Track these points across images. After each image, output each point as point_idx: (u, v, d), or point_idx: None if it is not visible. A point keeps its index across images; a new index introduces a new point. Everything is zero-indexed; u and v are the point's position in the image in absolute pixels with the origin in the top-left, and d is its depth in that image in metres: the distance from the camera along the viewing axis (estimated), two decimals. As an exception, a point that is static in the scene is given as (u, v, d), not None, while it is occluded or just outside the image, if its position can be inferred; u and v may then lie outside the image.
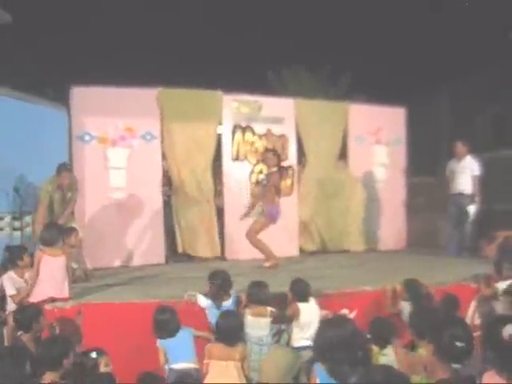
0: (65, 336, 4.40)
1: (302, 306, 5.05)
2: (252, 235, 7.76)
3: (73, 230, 6.56)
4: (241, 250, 8.68)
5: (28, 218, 7.37)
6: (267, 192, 7.81)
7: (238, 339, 4.49)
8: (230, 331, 4.41)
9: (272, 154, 8.03)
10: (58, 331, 4.80)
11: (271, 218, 7.76)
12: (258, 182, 8.73)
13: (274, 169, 7.92)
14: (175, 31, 16.26)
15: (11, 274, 5.80)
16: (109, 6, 15.53)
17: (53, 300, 5.24)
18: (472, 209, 8.56)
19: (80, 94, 8.25)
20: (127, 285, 6.48)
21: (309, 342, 4.85)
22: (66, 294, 5.37)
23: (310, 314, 5.02)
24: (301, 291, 5.14)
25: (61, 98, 8.51)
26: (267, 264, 7.65)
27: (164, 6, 16.65)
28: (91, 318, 5.10)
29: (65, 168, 7.01)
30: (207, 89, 9.00)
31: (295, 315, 5.01)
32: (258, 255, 7.88)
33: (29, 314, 4.75)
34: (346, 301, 5.62)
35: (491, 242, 7.37)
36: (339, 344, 3.16)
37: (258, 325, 4.89)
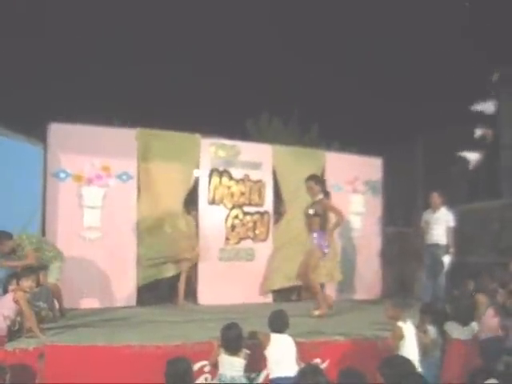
0: None
1: (274, 336, 5.05)
2: (309, 273, 7.31)
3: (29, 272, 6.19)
4: (214, 295, 8.54)
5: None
6: (312, 222, 7.45)
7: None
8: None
9: (314, 183, 7.56)
10: (9, 377, 4.56)
11: (320, 246, 7.37)
12: (307, 214, 7.65)
13: (320, 196, 7.51)
14: (156, 72, 16.42)
15: None
16: (90, 45, 15.69)
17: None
18: (446, 260, 8.60)
19: (58, 131, 8.19)
20: (95, 327, 6.29)
21: (286, 374, 4.82)
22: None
23: (283, 346, 5.03)
24: (275, 321, 5.19)
25: (38, 134, 8.42)
26: (316, 312, 7.25)
27: (146, 47, 16.86)
28: (54, 361, 4.92)
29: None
30: (186, 131, 9.02)
31: (265, 343, 5.04)
32: (231, 301, 7.71)
33: None
34: (319, 350, 5.54)
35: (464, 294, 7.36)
36: None
37: (231, 365, 4.83)
